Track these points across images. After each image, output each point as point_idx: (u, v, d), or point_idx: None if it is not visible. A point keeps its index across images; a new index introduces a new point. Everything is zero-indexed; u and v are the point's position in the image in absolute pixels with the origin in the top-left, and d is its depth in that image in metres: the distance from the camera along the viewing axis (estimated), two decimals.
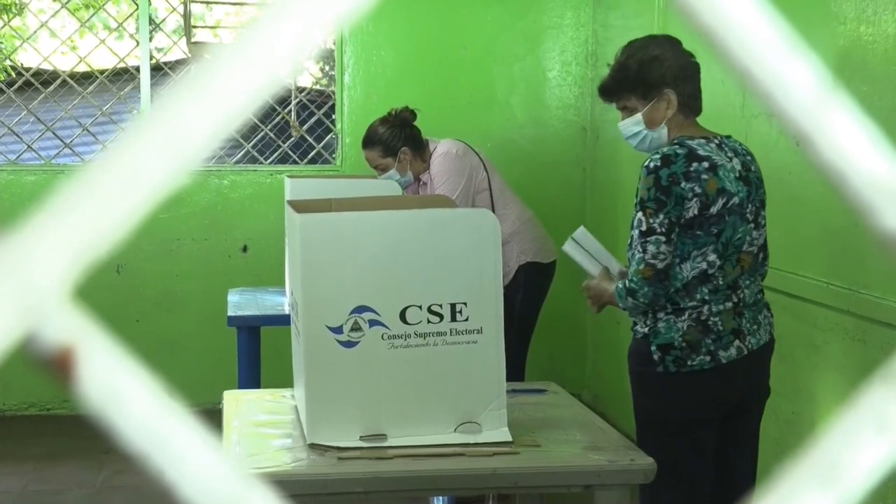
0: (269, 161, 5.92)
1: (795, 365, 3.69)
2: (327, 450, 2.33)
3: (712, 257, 2.74)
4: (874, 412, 0.30)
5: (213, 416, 2.87)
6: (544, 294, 4.46)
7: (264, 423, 2.61)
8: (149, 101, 5.71)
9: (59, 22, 6.39)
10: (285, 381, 2.82)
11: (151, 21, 5.86)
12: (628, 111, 2.87)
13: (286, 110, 5.96)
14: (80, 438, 5.34)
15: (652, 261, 2.68)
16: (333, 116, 5.84)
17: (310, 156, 5.98)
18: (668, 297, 2.73)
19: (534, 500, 2.93)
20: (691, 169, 2.70)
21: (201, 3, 7.04)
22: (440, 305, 2.34)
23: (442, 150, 4.34)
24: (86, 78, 6.31)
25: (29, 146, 5.85)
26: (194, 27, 6.86)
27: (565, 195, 5.76)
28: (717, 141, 2.82)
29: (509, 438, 2.39)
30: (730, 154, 2.81)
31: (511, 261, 4.27)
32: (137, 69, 5.77)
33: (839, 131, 0.31)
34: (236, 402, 2.83)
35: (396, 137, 4.31)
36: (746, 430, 2.92)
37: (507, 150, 5.66)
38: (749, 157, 2.87)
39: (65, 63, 6.36)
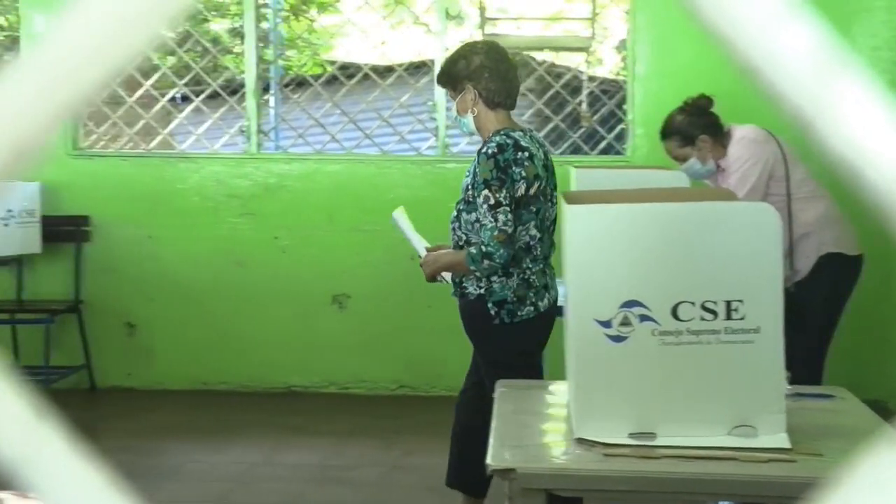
0: (559, 152, 5.92)
1: None
2: (594, 445, 2.29)
3: (533, 231, 3.40)
4: (877, 474, 0.24)
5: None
6: (849, 289, 4.24)
7: (535, 414, 2.60)
8: (443, 94, 5.85)
9: (373, 17, 6.65)
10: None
11: (447, 15, 6.00)
12: (453, 101, 3.56)
13: (577, 101, 5.94)
14: (374, 418, 5.57)
15: (504, 227, 3.28)
16: (625, 106, 5.76)
17: (601, 146, 5.94)
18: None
19: None
20: (518, 157, 3.34)
21: None
22: (714, 302, 2.24)
23: (740, 134, 4.22)
24: (389, 71, 6.56)
25: (333, 137, 6.15)
26: (492, 20, 6.96)
27: None
28: (529, 134, 3.49)
29: (788, 445, 2.26)
30: (537, 145, 3.47)
31: (811, 253, 4.12)
32: (434, 62, 5.93)
33: (850, 113, 0.24)
34: (510, 392, 2.84)
35: (694, 126, 4.22)
36: None
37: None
38: (546, 148, 3.60)
39: (374, 57, 6.64)
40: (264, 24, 6.58)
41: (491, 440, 2.40)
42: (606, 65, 7.80)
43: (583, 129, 5.93)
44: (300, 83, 7.47)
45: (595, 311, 2.27)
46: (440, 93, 5.85)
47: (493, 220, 3.28)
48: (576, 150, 5.95)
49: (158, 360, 6.17)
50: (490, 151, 3.34)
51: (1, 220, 5.69)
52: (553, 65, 6.83)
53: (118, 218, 6.10)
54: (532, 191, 3.36)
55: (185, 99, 6.79)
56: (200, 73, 6.35)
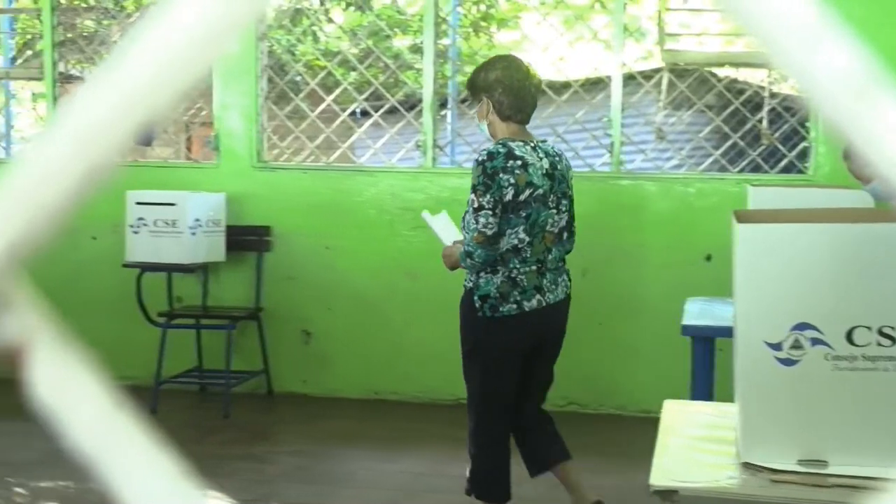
0: (737, 169, 5.79)
1: None
2: (760, 470, 2.23)
3: (522, 235, 3.66)
4: None
5: (656, 424, 2.87)
6: None
7: (701, 437, 2.55)
8: (619, 110, 5.81)
9: (552, 33, 6.65)
10: None
11: (626, 31, 5.96)
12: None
13: (758, 118, 5.80)
14: None
15: (483, 229, 3.59)
16: (808, 124, 5.58)
17: (781, 164, 5.77)
18: (496, 259, 3.64)
19: None
20: (508, 165, 3.60)
21: (684, 10, 7.04)
22: (893, 328, 2.15)
23: None
24: (566, 87, 6.55)
25: None
26: (672, 35, 6.87)
27: None
28: (532, 144, 3.74)
29: None
30: (541, 155, 3.73)
31: None
32: (610, 79, 5.89)
33: (888, 132, 0.23)
34: (677, 412, 2.79)
35: None
36: (539, 364, 3.94)
37: None
38: (557, 158, 3.82)
39: (551, 73, 6.63)
40: (444, 41, 6.68)
41: (654, 459, 2.36)
42: (789, 81, 7.60)
43: (763, 147, 5.78)
44: None
45: (765, 332, 2.21)
46: (616, 109, 5.81)
47: (475, 222, 3.61)
48: (755, 168, 5.81)
49: (333, 368, 6.33)
50: (480, 159, 3.65)
51: (189, 230, 5.94)
52: (734, 81, 6.69)
53: (298, 228, 6.29)
54: (522, 197, 3.63)
55: (365, 114, 6.95)
56: (380, 88, 6.50)
